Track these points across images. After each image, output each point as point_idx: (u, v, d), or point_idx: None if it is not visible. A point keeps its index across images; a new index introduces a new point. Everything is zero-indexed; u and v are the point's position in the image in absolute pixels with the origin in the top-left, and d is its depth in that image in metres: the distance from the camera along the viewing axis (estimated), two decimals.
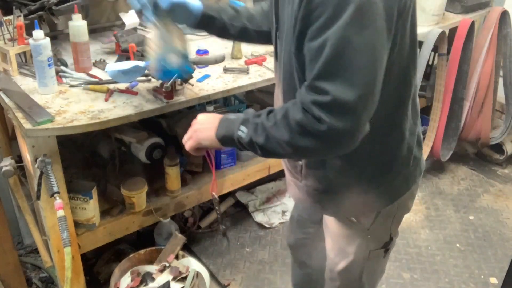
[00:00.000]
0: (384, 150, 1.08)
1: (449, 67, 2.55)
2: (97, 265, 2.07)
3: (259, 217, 2.44)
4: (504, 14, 2.68)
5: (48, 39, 1.45)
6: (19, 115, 1.38)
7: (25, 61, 1.67)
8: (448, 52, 2.54)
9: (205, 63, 1.81)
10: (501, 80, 2.86)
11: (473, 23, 2.53)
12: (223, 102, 2.15)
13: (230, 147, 1.17)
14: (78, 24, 1.62)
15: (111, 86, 1.59)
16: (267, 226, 2.42)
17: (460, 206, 2.67)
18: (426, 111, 2.80)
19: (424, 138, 2.69)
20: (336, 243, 1.30)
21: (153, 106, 1.51)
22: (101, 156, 1.96)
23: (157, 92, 1.56)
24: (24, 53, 1.66)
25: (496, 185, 2.87)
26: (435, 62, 2.69)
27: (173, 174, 1.82)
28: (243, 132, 0.97)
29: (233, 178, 2.04)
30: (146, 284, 1.67)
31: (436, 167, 2.98)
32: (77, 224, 1.62)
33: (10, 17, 1.57)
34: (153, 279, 1.69)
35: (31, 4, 1.69)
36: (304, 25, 0.85)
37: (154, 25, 1.26)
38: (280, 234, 2.39)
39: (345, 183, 1.13)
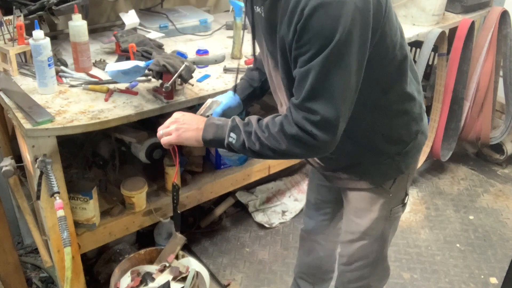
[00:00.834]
0: (402, 111, 1.28)
1: (449, 67, 2.55)
2: (97, 265, 2.07)
3: (259, 217, 2.44)
4: (504, 14, 2.68)
5: (48, 39, 1.45)
6: (19, 115, 1.38)
7: (25, 61, 1.67)
8: (448, 52, 2.54)
9: (205, 63, 1.81)
10: (501, 80, 2.86)
11: (473, 23, 2.53)
12: None
13: (212, 147, 1.25)
14: (78, 24, 1.62)
15: (111, 86, 1.59)
16: (267, 226, 2.42)
17: (460, 206, 2.67)
18: (426, 111, 2.79)
19: None
20: (358, 210, 1.42)
21: (153, 106, 1.51)
22: (101, 156, 1.96)
23: (157, 92, 1.56)
24: (24, 53, 1.66)
25: (496, 185, 2.87)
26: (435, 62, 2.69)
27: (173, 174, 1.82)
28: (233, 138, 1.15)
29: (233, 178, 2.04)
30: (146, 284, 1.67)
31: (436, 167, 2.98)
32: (77, 224, 1.62)
33: (10, 17, 1.57)
34: (153, 279, 1.69)
35: (31, 4, 1.69)
36: (295, 56, 1.04)
37: None
38: (280, 234, 2.39)
39: (372, 158, 1.30)
